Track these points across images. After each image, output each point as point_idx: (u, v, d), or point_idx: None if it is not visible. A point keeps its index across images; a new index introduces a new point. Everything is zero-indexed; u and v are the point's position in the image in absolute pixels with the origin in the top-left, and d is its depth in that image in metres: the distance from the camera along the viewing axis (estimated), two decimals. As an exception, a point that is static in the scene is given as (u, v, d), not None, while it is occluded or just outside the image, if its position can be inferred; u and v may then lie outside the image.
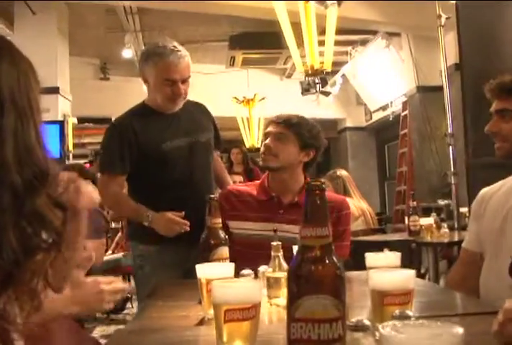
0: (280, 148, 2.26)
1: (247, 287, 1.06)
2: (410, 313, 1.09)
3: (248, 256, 1.96)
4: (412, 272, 1.18)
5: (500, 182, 1.89)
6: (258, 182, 2.42)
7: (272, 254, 1.63)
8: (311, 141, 2.29)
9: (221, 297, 1.03)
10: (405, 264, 1.40)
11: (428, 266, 3.91)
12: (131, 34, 6.62)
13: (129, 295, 5.24)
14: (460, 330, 0.68)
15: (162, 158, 2.44)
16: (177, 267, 2.35)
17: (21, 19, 5.70)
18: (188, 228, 2.30)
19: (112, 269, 4.69)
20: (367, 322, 1.02)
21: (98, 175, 2.72)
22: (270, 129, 2.31)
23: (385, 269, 1.26)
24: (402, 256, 1.42)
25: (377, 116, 8.90)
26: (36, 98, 0.85)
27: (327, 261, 0.85)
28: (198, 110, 2.66)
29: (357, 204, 4.36)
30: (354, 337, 1.01)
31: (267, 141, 2.29)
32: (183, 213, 2.33)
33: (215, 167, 2.72)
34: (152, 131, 2.46)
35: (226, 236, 1.69)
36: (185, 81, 2.44)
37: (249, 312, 1.01)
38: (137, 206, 2.40)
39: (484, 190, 1.96)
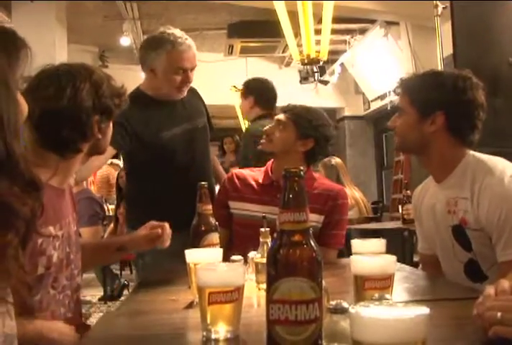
0: (276, 134, 2.35)
1: (229, 271, 1.09)
2: (388, 296, 1.13)
3: (247, 236, 2.05)
4: (392, 258, 1.22)
5: (428, 179, 1.89)
6: (264, 168, 2.48)
7: (261, 240, 1.67)
8: (309, 131, 2.33)
9: (204, 281, 1.07)
10: (398, 252, 1.42)
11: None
12: (130, 22, 6.61)
13: (126, 282, 5.30)
14: (425, 311, 0.71)
15: (162, 147, 2.47)
16: (179, 254, 2.36)
17: (19, 7, 5.67)
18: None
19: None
20: (345, 304, 1.06)
21: None
22: (276, 117, 2.43)
23: (367, 255, 1.29)
24: (396, 244, 1.44)
25: (375, 105, 8.88)
26: None
27: (304, 245, 0.88)
28: (192, 95, 2.68)
29: (350, 193, 4.38)
30: (333, 319, 1.04)
31: (267, 127, 2.41)
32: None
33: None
34: (150, 120, 2.46)
35: (217, 223, 1.73)
36: (193, 69, 2.50)
37: (232, 295, 1.05)
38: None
39: (415, 192, 1.98)
